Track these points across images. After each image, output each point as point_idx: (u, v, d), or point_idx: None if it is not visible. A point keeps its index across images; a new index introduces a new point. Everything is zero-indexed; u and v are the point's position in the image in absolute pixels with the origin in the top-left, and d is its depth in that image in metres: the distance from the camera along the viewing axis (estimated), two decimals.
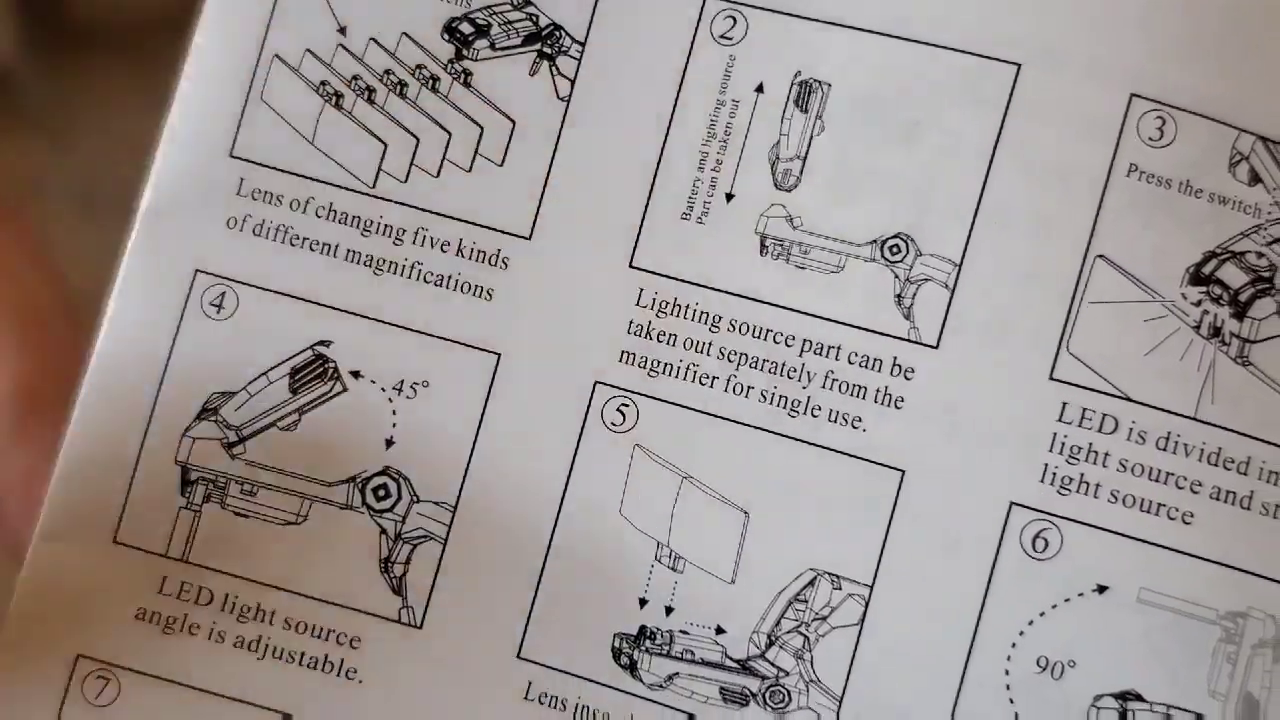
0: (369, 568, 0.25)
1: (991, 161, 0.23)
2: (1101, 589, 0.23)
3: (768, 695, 0.24)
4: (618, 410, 0.24)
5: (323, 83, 0.25)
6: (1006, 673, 0.23)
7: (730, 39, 0.24)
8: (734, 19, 0.24)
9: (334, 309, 0.25)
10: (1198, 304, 0.23)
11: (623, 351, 0.24)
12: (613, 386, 0.24)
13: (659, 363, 0.24)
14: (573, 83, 0.25)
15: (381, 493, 0.25)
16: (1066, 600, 0.23)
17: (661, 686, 0.24)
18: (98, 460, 0.24)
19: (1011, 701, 0.23)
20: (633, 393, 0.24)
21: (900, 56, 0.24)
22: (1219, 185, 0.23)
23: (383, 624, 0.24)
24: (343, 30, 0.25)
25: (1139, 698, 0.22)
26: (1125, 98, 0.23)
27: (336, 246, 0.25)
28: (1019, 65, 0.23)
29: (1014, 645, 0.23)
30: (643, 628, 0.24)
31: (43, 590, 0.24)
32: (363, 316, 0.25)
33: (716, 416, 0.24)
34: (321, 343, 0.25)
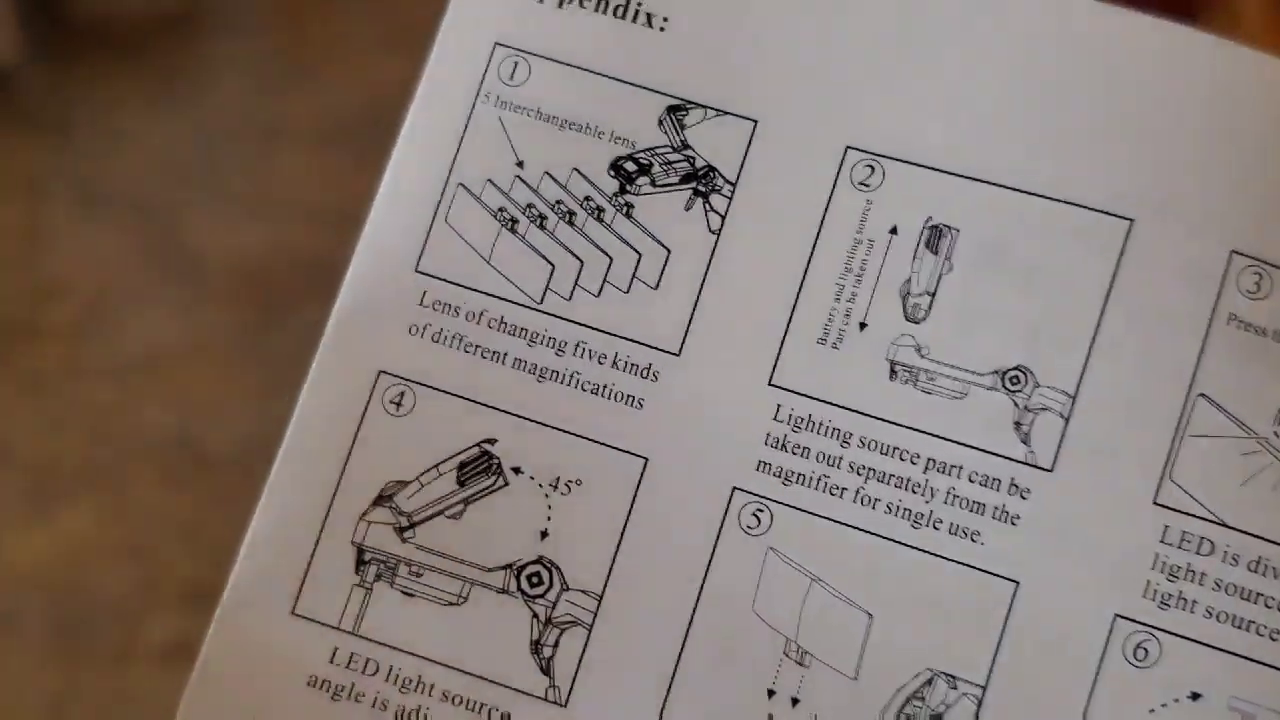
0: (520, 648, 0.29)
1: (1105, 305, 0.28)
2: (1195, 696, 0.26)
3: None
4: (753, 515, 0.29)
5: (500, 209, 0.30)
6: None
7: (868, 185, 0.29)
8: (872, 168, 0.29)
9: (500, 410, 0.29)
10: None
11: (760, 461, 0.29)
12: (749, 493, 0.29)
13: (793, 473, 0.29)
14: (723, 218, 0.29)
15: (535, 580, 0.29)
16: (1164, 705, 0.27)
17: None
18: (282, 537, 0.29)
19: None
20: (768, 499, 0.28)
21: (1024, 208, 0.28)
22: None
23: (531, 701, 0.29)
24: (520, 164, 0.30)
25: None
26: (1226, 254, 0.28)
27: (505, 354, 0.29)
28: (1132, 220, 0.28)
29: None
30: (770, 716, 0.28)
31: (225, 654, 0.29)
32: (525, 418, 0.29)
33: (845, 525, 0.28)
34: (488, 440, 0.29)
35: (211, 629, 0.29)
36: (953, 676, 0.27)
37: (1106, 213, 0.28)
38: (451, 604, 0.29)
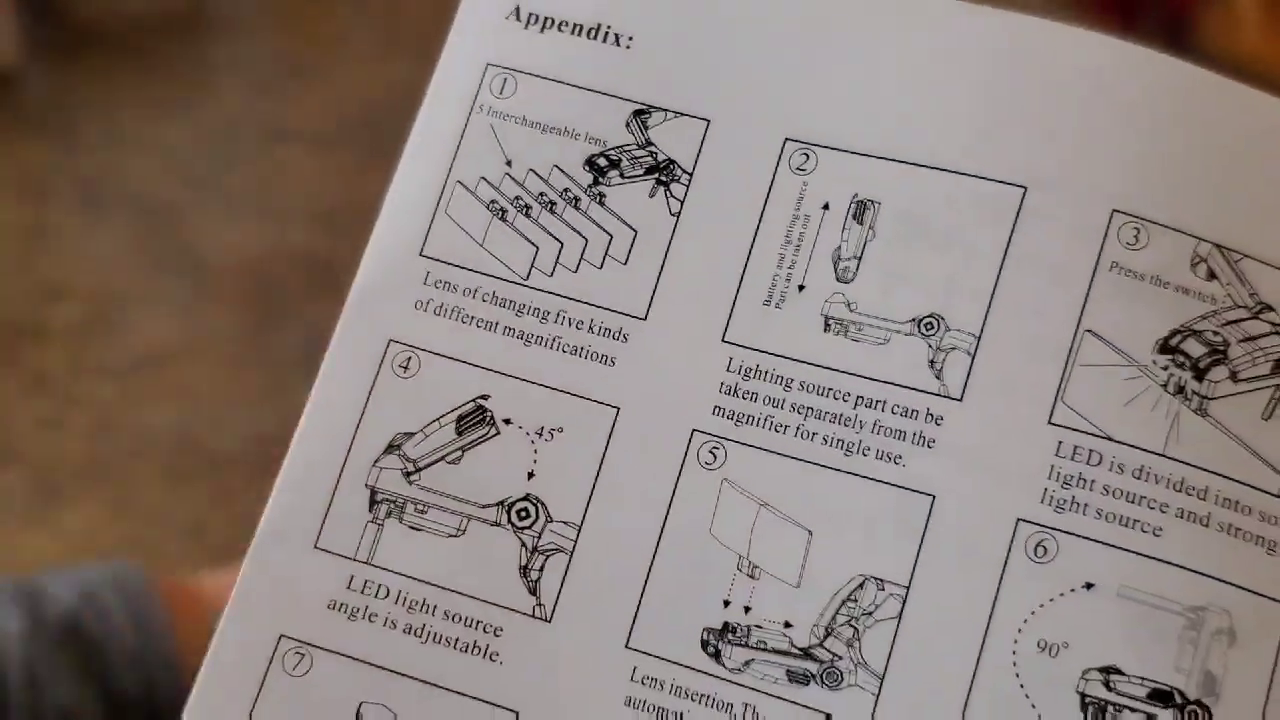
0: (511, 573, 0.35)
1: (1004, 259, 0.34)
2: (1089, 586, 0.32)
3: (824, 676, 0.33)
4: (710, 452, 0.35)
5: (492, 201, 0.37)
6: (1014, 653, 0.32)
7: (804, 170, 0.36)
8: (807, 155, 0.36)
9: (492, 371, 0.36)
10: (1165, 368, 0.33)
11: (715, 406, 0.35)
12: (707, 434, 0.35)
13: (744, 415, 0.35)
14: (682, 203, 0.36)
15: (523, 514, 0.35)
16: (1061, 595, 0.32)
17: (740, 670, 0.34)
18: (306, 482, 0.36)
19: (1017, 676, 0.32)
20: (723, 438, 0.35)
21: (934, 182, 0.35)
22: (1183, 280, 0.34)
23: (520, 617, 0.35)
24: (509, 163, 0.37)
25: (1119, 672, 0.32)
26: (1108, 212, 0.34)
27: (496, 324, 0.36)
28: (1025, 188, 0.35)
29: (1020, 631, 0.32)
30: (726, 623, 0.34)
31: (257, 582, 0.35)
32: (514, 377, 0.36)
33: (788, 456, 0.35)
34: (482, 396, 0.36)
35: (246, 560, 0.35)
36: (881, 580, 0.33)
37: (1003, 182, 0.35)
38: (451, 536, 0.35)
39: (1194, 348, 0.33)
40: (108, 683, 0.53)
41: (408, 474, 0.36)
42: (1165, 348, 0.33)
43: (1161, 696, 0.31)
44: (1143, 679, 0.32)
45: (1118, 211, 0.34)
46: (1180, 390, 0.33)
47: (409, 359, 0.36)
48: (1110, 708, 0.31)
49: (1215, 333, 0.33)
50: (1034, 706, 0.32)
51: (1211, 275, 0.34)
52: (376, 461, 0.36)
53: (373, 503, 0.35)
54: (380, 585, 0.35)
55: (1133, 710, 0.31)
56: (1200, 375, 0.33)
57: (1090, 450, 0.33)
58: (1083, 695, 0.32)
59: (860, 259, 0.35)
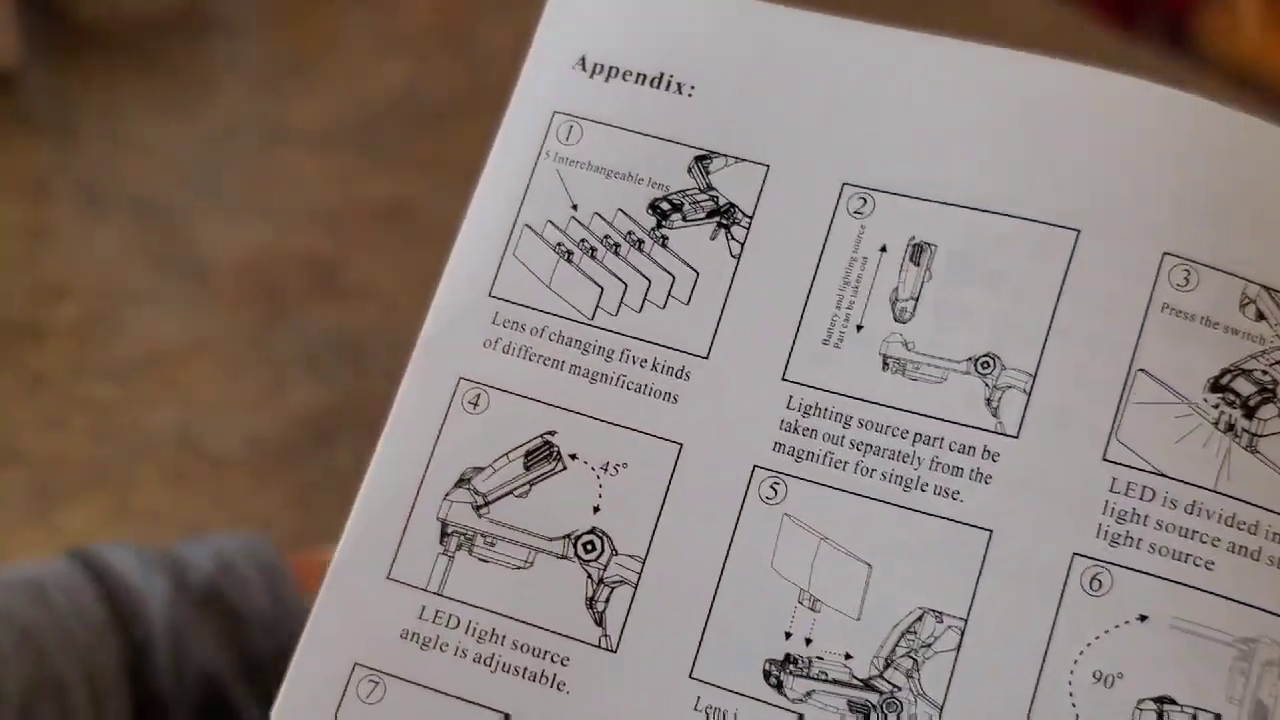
0: (577, 604, 0.36)
1: (1058, 301, 0.36)
2: (1143, 618, 0.34)
3: (885, 706, 0.35)
4: (771, 487, 0.36)
5: (559, 244, 0.39)
6: (1070, 684, 0.33)
7: (861, 214, 0.37)
8: (864, 199, 0.37)
9: (559, 408, 0.37)
10: (1216, 406, 0.34)
11: (775, 443, 0.37)
12: (768, 469, 0.36)
13: (804, 451, 0.36)
14: (742, 245, 0.38)
15: (589, 547, 0.37)
16: (1116, 627, 0.34)
17: (802, 700, 0.35)
18: (380, 514, 0.37)
19: (1074, 706, 0.33)
20: (783, 474, 0.36)
21: (988, 225, 0.36)
22: (1232, 320, 0.35)
23: (586, 648, 0.36)
24: (575, 207, 0.39)
25: (1172, 702, 0.33)
26: (1159, 255, 0.35)
27: (563, 362, 0.38)
28: (1078, 231, 0.36)
29: (1075, 662, 0.34)
30: (788, 654, 0.35)
31: (332, 611, 0.37)
32: (580, 414, 0.37)
33: (848, 492, 0.36)
34: (549, 433, 0.37)
35: (322, 590, 0.37)
36: (939, 612, 0.35)
37: (1057, 225, 0.36)
38: (519, 568, 0.37)
39: (1244, 386, 0.34)
40: (246, 648, 0.56)
41: (477, 507, 0.37)
42: (1216, 386, 0.34)
43: None
44: (1196, 709, 0.33)
45: (1168, 254, 0.35)
46: (1231, 428, 0.34)
47: (479, 395, 0.38)
48: None
49: (1265, 372, 0.34)
50: None
51: (1260, 316, 0.35)
52: (447, 495, 0.37)
53: (444, 535, 0.37)
54: (451, 615, 0.36)
55: None
56: (1250, 413, 0.34)
57: (1144, 486, 0.34)
58: None
59: (917, 300, 0.36)
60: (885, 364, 0.36)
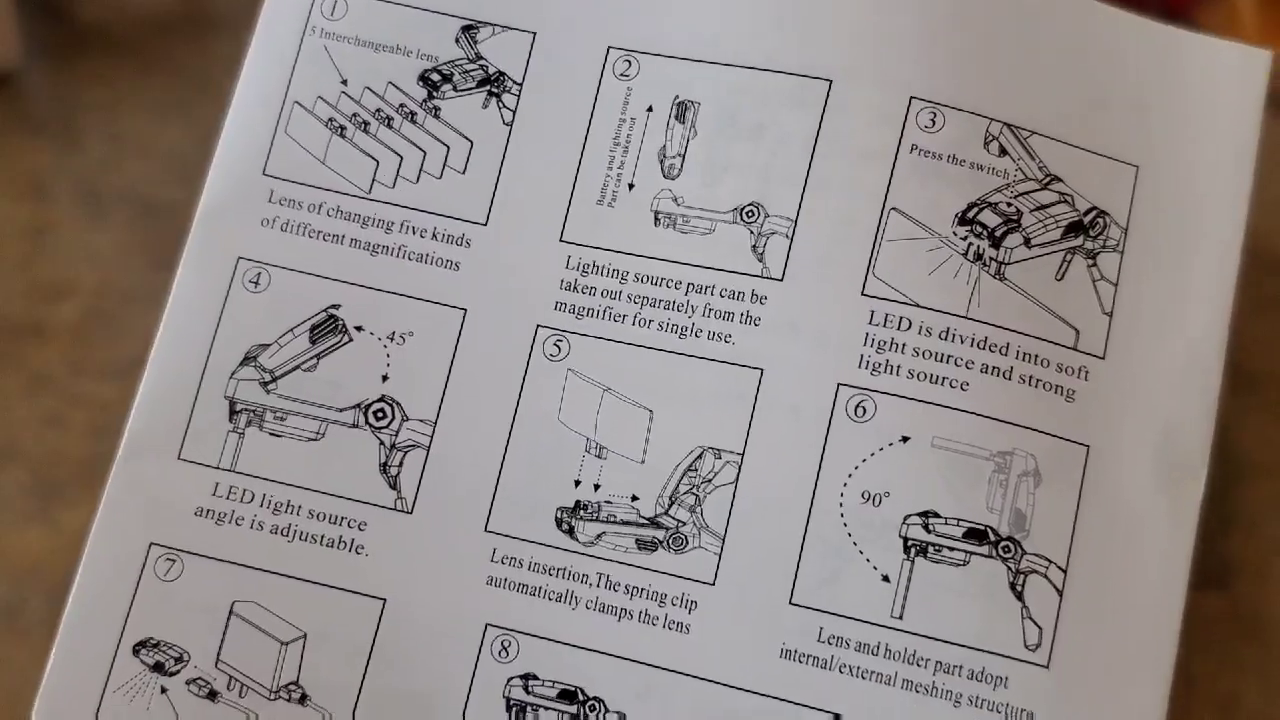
0: (371, 471, 0.39)
1: (814, 148, 0.39)
2: (905, 439, 0.37)
3: (671, 541, 0.38)
4: (554, 344, 0.39)
5: (330, 119, 0.41)
6: (840, 505, 0.37)
7: (627, 75, 0.40)
8: (629, 61, 0.40)
9: (342, 281, 0.40)
10: (964, 238, 0.38)
11: (556, 302, 0.39)
12: (550, 328, 0.39)
13: (584, 308, 0.39)
14: (514, 112, 0.41)
15: (380, 414, 0.39)
16: (881, 449, 0.37)
17: (593, 543, 0.38)
18: (166, 397, 0.39)
19: (845, 525, 0.37)
20: (565, 331, 0.39)
21: (747, 80, 0.40)
22: (977, 157, 0.39)
23: (382, 511, 0.39)
24: (344, 82, 0.41)
25: (937, 515, 0.37)
26: (906, 99, 0.39)
27: (343, 236, 0.40)
28: (830, 81, 0.39)
29: (845, 485, 0.37)
30: (577, 501, 0.39)
31: (124, 495, 0.39)
32: (363, 286, 0.40)
33: (627, 344, 0.39)
34: (333, 306, 0.40)
35: (111, 475, 0.39)
36: (718, 449, 0.38)
37: (811, 76, 0.39)
38: (312, 440, 0.39)
39: (990, 218, 0.38)
40: None
41: (265, 384, 0.39)
42: (964, 219, 0.38)
43: (976, 535, 0.37)
44: (959, 520, 0.37)
45: (915, 98, 0.39)
46: (979, 257, 0.38)
47: (259, 274, 0.40)
48: (930, 548, 0.36)
49: (1009, 204, 0.38)
50: (861, 552, 0.37)
51: (1003, 151, 0.39)
52: (234, 374, 0.39)
53: (233, 413, 0.39)
54: (246, 490, 0.39)
55: (951, 549, 0.36)
56: (997, 243, 0.38)
57: (900, 317, 0.38)
58: (905, 539, 0.37)
59: (684, 156, 0.39)
60: (657, 219, 0.39)
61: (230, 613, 0.38)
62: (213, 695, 0.37)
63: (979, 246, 0.38)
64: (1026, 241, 0.38)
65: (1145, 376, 0.37)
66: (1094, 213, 0.38)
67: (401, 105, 0.40)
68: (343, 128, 0.40)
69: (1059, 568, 0.36)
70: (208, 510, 0.38)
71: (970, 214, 0.38)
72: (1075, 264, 0.38)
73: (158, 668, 0.37)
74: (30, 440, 0.52)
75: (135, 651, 0.37)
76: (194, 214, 0.40)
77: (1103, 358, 0.37)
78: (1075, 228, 0.38)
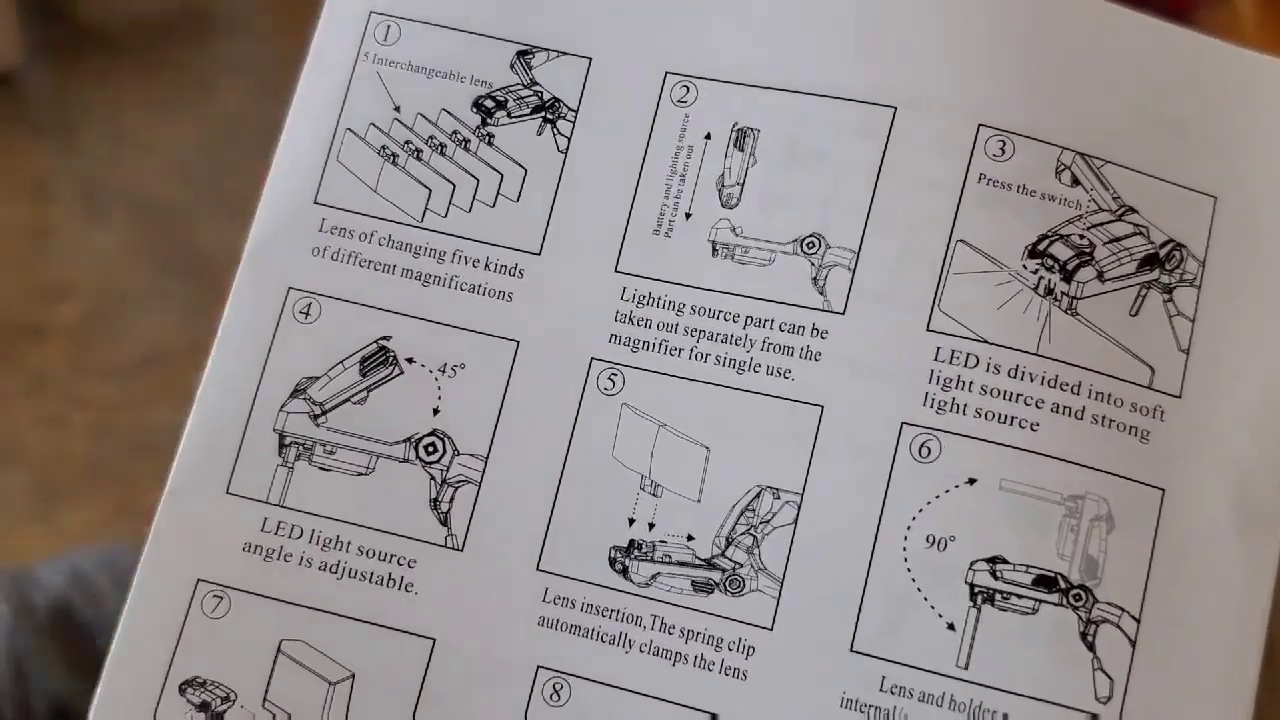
0: (421, 506, 0.39)
1: (878, 178, 0.38)
2: (971, 481, 0.37)
3: (728, 583, 0.38)
4: (609, 379, 0.39)
5: (383, 147, 0.41)
6: (904, 550, 0.37)
7: (685, 102, 0.40)
8: (687, 88, 0.40)
9: (393, 312, 0.40)
10: (1035, 272, 0.38)
11: (611, 334, 0.39)
12: (605, 361, 0.39)
13: (639, 341, 0.39)
14: (569, 139, 0.40)
15: (430, 449, 0.39)
16: (946, 492, 0.37)
17: (647, 584, 0.38)
18: (215, 429, 0.39)
19: (909, 571, 0.37)
20: (620, 365, 0.39)
21: (809, 107, 0.39)
22: (1048, 187, 0.38)
23: (432, 548, 0.39)
24: (397, 109, 0.41)
25: (1005, 561, 0.36)
26: (974, 127, 0.38)
27: (394, 266, 0.40)
28: (895, 108, 0.39)
29: (909, 528, 0.37)
30: (632, 541, 0.38)
31: (171, 529, 0.39)
32: (414, 317, 0.40)
33: (683, 378, 0.39)
34: (384, 338, 0.40)
35: (160, 508, 0.39)
36: (776, 489, 0.38)
37: (874, 103, 0.39)
38: (361, 474, 0.39)
39: (1061, 251, 0.38)
40: (102, 663, 0.56)
41: (314, 416, 0.39)
42: (1034, 252, 0.37)
43: (1046, 582, 0.36)
44: (1027, 566, 0.36)
45: (984, 125, 0.38)
46: (1050, 292, 0.37)
47: (309, 305, 0.40)
48: (998, 595, 0.36)
49: (1081, 236, 0.38)
50: (926, 599, 0.36)
51: (1075, 182, 0.38)
52: (283, 406, 0.39)
53: (282, 446, 0.39)
54: (294, 526, 0.39)
55: (1020, 597, 0.36)
56: (1068, 277, 0.37)
57: (967, 354, 0.37)
58: (971, 585, 0.36)
59: (743, 185, 0.39)
60: (715, 250, 0.39)
61: (278, 651, 0.38)
62: None
63: (1050, 280, 0.37)
64: (1100, 275, 0.37)
65: (1223, 417, 0.37)
66: (1170, 245, 0.37)
67: (455, 132, 0.40)
68: (395, 155, 0.40)
69: (1132, 617, 0.35)
70: (256, 546, 0.38)
71: (1041, 246, 0.37)
72: (1151, 299, 0.37)
73: (204, 707, 0.37)
74: (31, 441, 0.53)
75: (182, 691, 0.37)
76: (243, 247, 0.40)
77: (1179, 397, 0.37)
78: (1151, 261, 0.37)
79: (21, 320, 0.57)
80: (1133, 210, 0.38)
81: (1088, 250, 0.37)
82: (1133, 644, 0.35)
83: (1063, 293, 0.37)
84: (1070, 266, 0.37)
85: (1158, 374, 0.37)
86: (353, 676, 0.37)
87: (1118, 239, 0.37)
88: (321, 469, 0.39)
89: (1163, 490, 0.36)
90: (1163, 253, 0.37)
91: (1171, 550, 0.36)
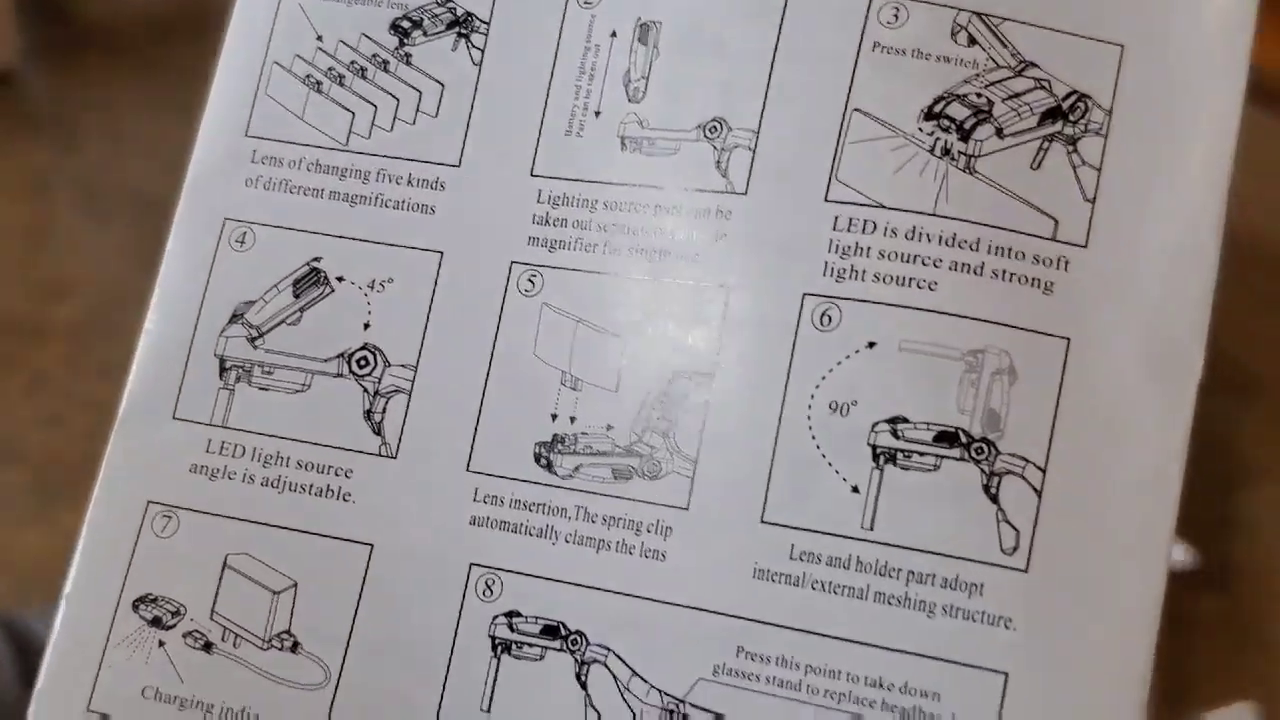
0: (356, 418, 0.41)
1: (774, 57, 0.40)
2: (871, 345, 0.38)
3: (645, 468, 0.39)
4: (529, 280, 0.41)
5: (308, 76, 0.44)
6: (809, 418, 0.38)
7: (590, 3, 0.42)
8: None
9: (323, 234, 0.43)
10: (930, 134, 0.39)
11: (530, 237, 0.41)
12: (524, 263, 0.41)
13: (556, 241, 0.41)
14: (483, 51, 0.43)
15: (362, 362, 0.42)
16: (848, 356, 0.38)
17: (571, 475, 0.40)
18: (159, 359, 0.42)
19: (814, 438, 0.38)
20: (539, 266, 0.41)
21: None
22: (943, 50, 0.39)
23: (367, 458, 0.41)
24: (320, 38, 0.44)
25: (905, 420, 0.37)
26: None
27: (322, 190, 0.43)
28: None
29: (812, 397, 0.38)
30: (555, 435, 0.40)
31: (123, 455, 0.42)
32: (343, 237, 0.42)
33: (598, 273, 0.41)
34: (315, 259, 0.42)
35: (111, 438, 0.42)
36: (689, 372, 0.39)
37: None
38: (298, 391, 0.42)
39: (958, 111, 0.39)
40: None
41: (252, 340, 0.42)
42: (930, 114, 0.39)
43: (947, 438, 0.37)
44: (928, 424, 0.37)
45: None
46: (947, 152, 0.38)
47: (244, 233, 0.43)
48: (900, 454, 0.37)
49: (979, 94, 0.39)
50: (831, 464, 0.37)
51: (972, 41, 0.39)
52: (223, 332, 0.42)
53: (223, 370, 0.42)
54: (237, 445, 0.42)
55: (921, 454, 0.37)
56: (965, 136, 0.38)
57: (865, 220, 0.38)
58: (874, 447, 0.37)
59: (648, 78, 0.41)
60: (624, 144, 0.41)
61: (224, 565, 0.40)
62: (208, 647, 0.40)
63: (946, 141, 0.38)
64: (999, 132, 0.38)
65: (1132, 263, 0.37)
66: (1074, 96, 0.38)
67: (375, 55, 0.43)
68: (319, 83, 0.43)
69: (1037, 467, 0.36)
70: (202, 466, 0.41)
71: (937, 108, 0.38)
72: (1054, 152, 0.38)
73: (155, 622, 0.40)
74: (30, 441, 0.56)
75: (135, 607, 0.40)
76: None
77: (1084, 246, 0.37)
78: (1053, 114, 0.38)
79: (21, 320, 0.61)
80: (1033, 65, 0.38)
81: (985, 108, 0.38)
82: (1038, 494, 0.36)
83: (960, 152, 0.38)
84: (968, 126, 0.38)
85: (1061, 225, 0.37)
86: (295, 585, 0.40)
87: (1017, 94, 0.38)
88: (261, 389, 0.41)
89: (1068, 340, 0.37)
90: (1066, 105, 0.38)
91: (1079, 399, 0.36)
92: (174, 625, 0.41)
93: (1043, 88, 0.39)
